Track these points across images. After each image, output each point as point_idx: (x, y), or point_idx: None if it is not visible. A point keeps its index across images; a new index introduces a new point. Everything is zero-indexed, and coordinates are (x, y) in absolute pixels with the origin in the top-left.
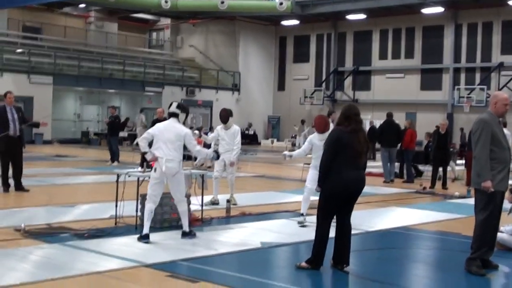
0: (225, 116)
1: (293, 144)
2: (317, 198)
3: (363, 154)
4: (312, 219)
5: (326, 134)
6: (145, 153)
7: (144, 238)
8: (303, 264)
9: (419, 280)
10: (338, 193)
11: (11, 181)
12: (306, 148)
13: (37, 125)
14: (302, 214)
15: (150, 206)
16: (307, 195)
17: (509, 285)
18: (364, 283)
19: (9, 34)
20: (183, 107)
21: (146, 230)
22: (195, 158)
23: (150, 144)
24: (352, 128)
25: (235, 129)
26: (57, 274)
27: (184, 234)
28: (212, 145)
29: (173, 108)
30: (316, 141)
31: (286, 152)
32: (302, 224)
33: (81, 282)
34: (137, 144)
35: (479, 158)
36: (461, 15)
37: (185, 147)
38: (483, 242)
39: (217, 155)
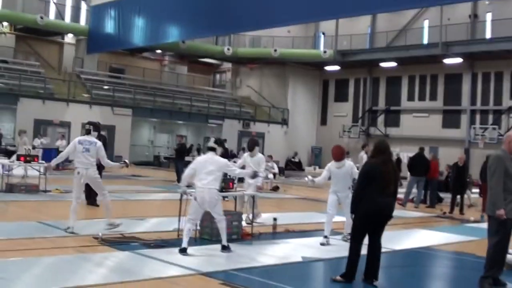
0: (252, 145)
1: None
2: (340, 219)
3: (391, 183)
4: (335, 240)
5: (342, 162)
6: (189, 186)
7: (183, 251)
8: (338, 277)
9: None
10: (370, 217)
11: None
12: (325, 175)
13: None
14: (325, 236)
15: (189, 226)
16: (329, 219)
17: None
18: None
19: (98, 73)
20: (220, 142)
21: (184, 244)
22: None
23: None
24: (383, 160)
25: (260, 157)
26: (127, 278)
27: (223, 248)
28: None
29: (211, 143)
30: (334, 168)
31: (310, 177)
32: (323, 245)
33: (147, 286)
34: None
35: (494, 189)
36: (477, 65)
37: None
38: (495, 263)
39: (254, 174)
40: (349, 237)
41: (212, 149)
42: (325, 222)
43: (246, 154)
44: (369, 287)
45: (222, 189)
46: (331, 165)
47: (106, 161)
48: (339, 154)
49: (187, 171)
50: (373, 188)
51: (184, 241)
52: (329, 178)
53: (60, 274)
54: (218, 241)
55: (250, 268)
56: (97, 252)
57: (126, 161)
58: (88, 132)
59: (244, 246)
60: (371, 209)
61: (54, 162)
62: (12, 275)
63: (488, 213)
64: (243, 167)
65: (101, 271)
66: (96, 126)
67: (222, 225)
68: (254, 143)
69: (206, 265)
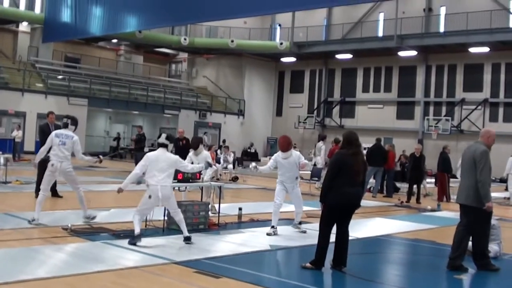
0: (196, 143)
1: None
2: (287, 210)
3: (360, 173)
4: (282, 229)
5: (289, 152)
6: (139, 182)
7: (137, 238)
8: (308, 264)
9: (401, 279)
10: (338, 206)
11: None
12: (270, 165)
13: None
14: (272, 226)
15: (139, 218)
16: (276, 209)
17: (472, 284)
18: (359, 282)
19: (53, 63)
20: (171, 138)
21: (137, 231)
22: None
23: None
24: (353, 151)
25: (205, 154)
26: (103, 268)
27: (186, 239)
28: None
29: (162, 140)
30: (280, 159)
31: (253, 164)
32: (270, 235)
33: (122, 274)
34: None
35: (484, 182)
36: (431, 58)
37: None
38: (464, 249)
39: (208, 164)
40: (299, 226)
41: (164, 146)
42: (272, 213)
43: (191, 153)
44: (337, 273)
45: (189, 180)
46: (278, 155)
47: (80, 156)
48: (286, 144)
49: (139, 168)
50: (343, 178)
51: (136, 229)
52: (276, 168)
53: (33, 264)
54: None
55: (221, 257)
56: (68, 242)
57: (101, 156)
58: (65, 126)
59: (212, 235)
60: (340, 198)
61: (37, 158)
62: None
63: (477, 205)
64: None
65: (76, 261)
66: (74, 120)
67: (178, 217)
68: (198, 141)
69: (178, 254)
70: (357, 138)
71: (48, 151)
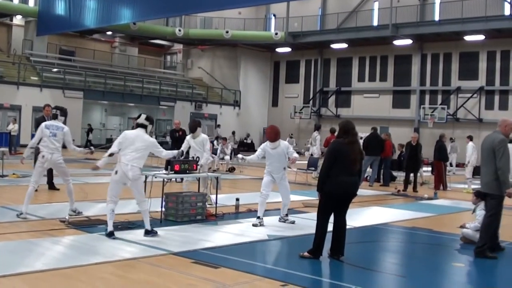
0: (193, 126)
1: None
2: (275, 200)
3: (357, 162)
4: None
5: (277, 142)
6: (111, 154)
7: (110, 235)
8: (306, 254)
9: (398, 267)
10: (335, 195)
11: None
12: (258, 154)
13: None
14: (258, 217)
15: (111, 207)
16: (262, 200)
17: (471, 271)
18: (357, 270)
19: (48, 56)
20: (151, 119)
21: (110, 228)
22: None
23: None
24: (350, 140)
25: (203, 137)
26: (101, 259)
27: (146, 232)
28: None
29: (142, 120)
30: (268, 149)
31: (240, 155)
32: (256, 226)
33: (120, 265)
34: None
35: (504, 170)
36: (426, 46)
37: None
38: (491, 232)
39: (182, 152)
40: (286, 218)
41: (143, 126)
42: (258, 203)
43: (188, 137)
44: (335, 262)
45: (186, 171)
46: (266, 145)
47: (72, 147)
48: (273, 135)
49: (115, 145)
50: (339, 167)
51: (109, 225)
52: (264, 157)
53: (31, 257)
54: (184, 222)
55: (219, 247)
56: (65, 235)
57: (92, 148)
58: (55, 117)
59: (210, 226)
60: (336, 188)
61: (26, 153)
62: None
63: (498, 193)
64: (188, 151)
65: (74, 254)
66: (64, 111)
67: (143, 207)
68: (195, 124)
69: (175, 245)
70: (353, 127)
71: (38, 143)
